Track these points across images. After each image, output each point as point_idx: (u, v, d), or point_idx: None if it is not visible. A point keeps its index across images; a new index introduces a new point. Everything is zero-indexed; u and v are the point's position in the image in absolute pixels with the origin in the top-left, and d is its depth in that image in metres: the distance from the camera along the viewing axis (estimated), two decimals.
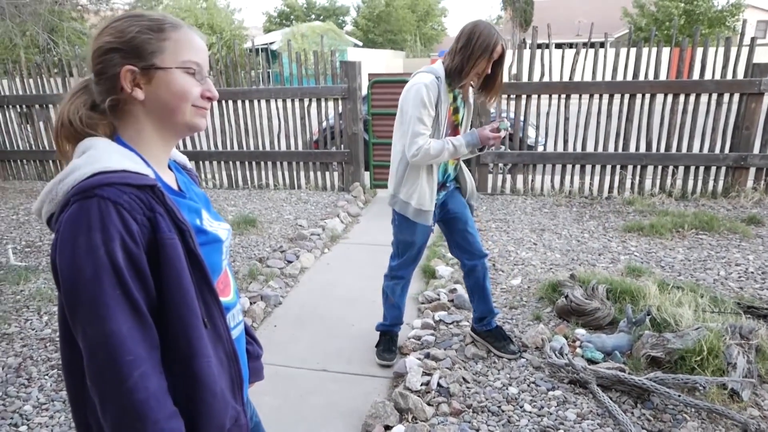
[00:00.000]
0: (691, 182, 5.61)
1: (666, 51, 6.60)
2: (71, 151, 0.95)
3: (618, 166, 5.63)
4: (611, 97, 5.50)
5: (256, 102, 6.31)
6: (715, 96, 5.34)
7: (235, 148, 6.50)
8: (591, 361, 2.62)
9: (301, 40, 23.69)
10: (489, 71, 2.30)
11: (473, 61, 2.24)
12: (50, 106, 6.79)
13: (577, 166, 5.77)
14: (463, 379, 2.53)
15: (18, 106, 6.90)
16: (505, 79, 5.72)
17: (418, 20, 40.39)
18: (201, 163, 6.61)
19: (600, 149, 5.66)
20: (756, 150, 5.40)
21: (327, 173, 6.46)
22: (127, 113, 0.96)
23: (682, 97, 5.36)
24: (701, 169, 5.50)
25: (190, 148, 6.59)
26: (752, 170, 5.46)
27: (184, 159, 1.15)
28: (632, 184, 5.66)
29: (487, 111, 5.72)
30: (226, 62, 6.25)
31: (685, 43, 5.27)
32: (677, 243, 4.27)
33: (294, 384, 2.65)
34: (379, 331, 2.90)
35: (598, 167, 5.71)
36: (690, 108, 5.38)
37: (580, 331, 2.87)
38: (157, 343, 0.88)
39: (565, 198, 5.69)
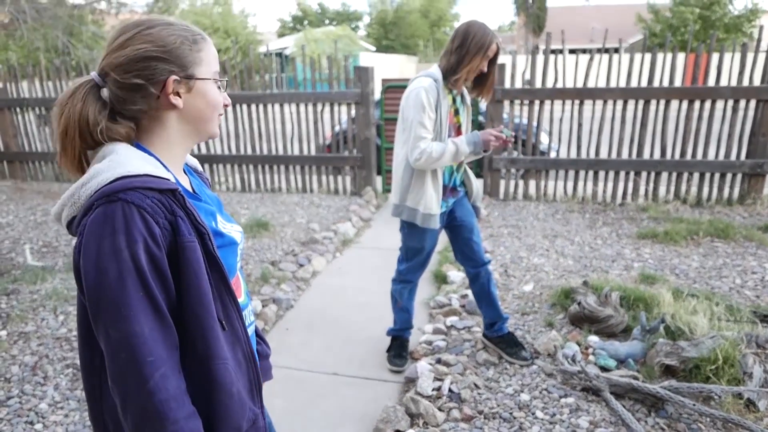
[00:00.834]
0: (706, 189, 5.55)
1: (681, 57, 6.55)
2: (77, 158, 0.95)
3: (632, 173, 5.59)
4: (625, 103, 5.46)
5: (269, 106, 6.35)
6: (731, 102, 5.29)
7: (249, 151, 6.54)
8: (604, 369, 2.60)
9: (314, 45, 23.83)
10: (485, 69, 2.36)
11: (469, 58, 2.30)
12: None
13: (591, 172, 5.74)
14: (475, 384, 2.53)
15: (37, 108, 7.01)
16: (519, 84, 5.79)
17: (431, 25, 40.48)
18: (215, 166, 6.66)
19: (614, 155, 5.62)
20: None
21: (339, 177, 6.49)
22: (156, 119, 0.98)
23: (697, 104, 5.31)
24: (716, 176, 5.44)
25: (204, 151, 6.66)
26: None
27: (195, 162, 1.18)
28: (646, 190, 5.61)
29: (500, 116, 5.72)
30: (242, 67, 6.31)
31: (700, 49, 5.23)
32: (692, 250, 4.23)
33: (305, 387, 2.66)
34: (389, 336, 2.90)
35: (611, 173, 5.67)
36: (705, 114, 5.33)
37: (593, 339, 2.86)
38: (177, 344, 0.90)
39: (578, 204, 5.66)
